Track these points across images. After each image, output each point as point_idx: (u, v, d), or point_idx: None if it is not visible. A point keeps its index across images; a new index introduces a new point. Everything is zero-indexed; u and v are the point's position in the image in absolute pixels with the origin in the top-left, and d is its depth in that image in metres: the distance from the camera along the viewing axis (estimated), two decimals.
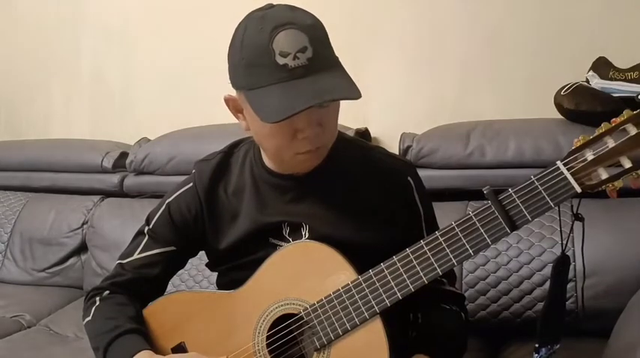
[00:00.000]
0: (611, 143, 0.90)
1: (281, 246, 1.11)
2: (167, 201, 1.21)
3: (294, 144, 1.02)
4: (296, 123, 0.99)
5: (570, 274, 1.46)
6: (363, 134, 2.03)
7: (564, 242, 1.05)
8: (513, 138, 1.73)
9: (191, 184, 1.19)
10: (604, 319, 1.40)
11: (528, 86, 1.95)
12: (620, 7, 1.86)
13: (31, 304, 2.06)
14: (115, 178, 2.24)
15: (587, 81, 1.74)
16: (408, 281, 0.99)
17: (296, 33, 0.95)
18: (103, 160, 2.24)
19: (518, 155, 1.71)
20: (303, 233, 1.10)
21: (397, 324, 1.09)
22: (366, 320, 1.00)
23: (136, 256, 1.20)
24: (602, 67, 1.73)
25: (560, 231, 1.06)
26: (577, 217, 1.00)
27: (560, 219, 1.03)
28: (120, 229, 2.04)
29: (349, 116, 1.88)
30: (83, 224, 2.21)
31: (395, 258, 1.00)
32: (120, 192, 2.24)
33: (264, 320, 1.07)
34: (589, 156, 0.91)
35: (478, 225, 0.97)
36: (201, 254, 1.25)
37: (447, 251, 0.98)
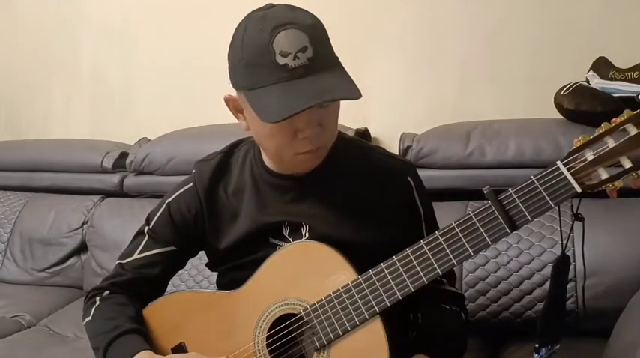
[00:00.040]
0: (611, 143, 0.90)
1: (281, 246, 1.11)
2: (167, 201, 1.21)
3: (295, 144, 1.02)
4: (296, 123, 0.99)
5: (570, 274, 1.46)
6: (363, 134, 2.03)
7: (564, 242, 1.05)
8: (513, 138, 1.73)
9: (191, 184, 1.19)
10: (604, 319, 1.40)
11: (528, 86, 1.95)
12: (620, 7, 1.86)
13: (31, 304, 2.06)
14: (115, 178, 2.24)
15: (587, 81, 1.74)
16: (408, 281, 0.99)
17: (296, 33, 0.95)
18: (103, 160, 2.24)
19: (518, 155, 1.71)
20: (303, 233, 1.10)
21: (397, 324, 1.09)
22: (366, 320, 1.00)
23: (136, 256, 1.20)
24: (602, 67, 1.73)
25: (560, 231, 1.06)
26: (577, 217, 1.00)
27: (560, 219, 1.03)
28: (120, 229, 2.04)
29: (349, 116, 1.87)
30: (83, 224, 2.21)
31: (395, 258, 1.01)
32: (120, 192, 2.24)
33: (264, 320, 1.07)
34: (589, 156, 0.91)
35: (478, 225, 0.97)
36: (201, 254, 1.25)
37: (447, 251, 0.98)
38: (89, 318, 1.16)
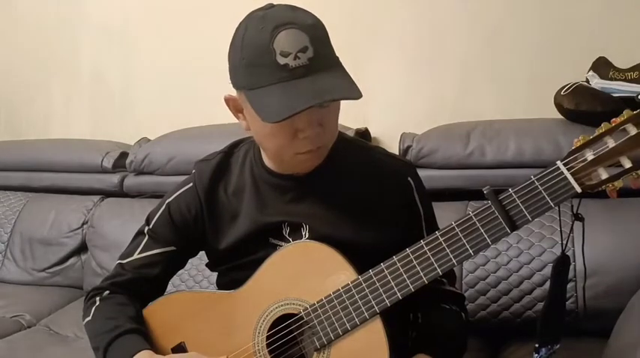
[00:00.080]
0: (611, 143, 0.90)
1: (281, 246, 1.11)
2: (167, 201, 1.21)
3: (295, 144, 1.02)
4: (296, 123, 0.99)
5: (570, 274, 1.46)
6: (363, 134, 2.03)
7: (564, 242, 1.05)
8: (513, 138, 1.73)
9: (191, 184, 1.19)
10: (604, 319, 1.40)
11: (528, 86, 1.95)
12: (620, 7, 1.86)
13: (31, 304, 2.06)
14: (115, 178, 2.24)
15: (587, 81, 1.74)
16: (408, 282, 0.99)
17: (297, 33, 0.95)
18: (103, 160, 2.24)
19: (518, 155, 1.71)
20: (303, 233, 1.10)
21: (397, 324, 1.09)
22: (366, 320, 1.00)
23: (136, 256, 1.20)
24: (602, 67, 1.73)
25: (560, 231, 1.06)
26: (577, 217, 1.00)
27: (560, 219, 1.03)
28: (120, 229, 2.04)
29: (349, 116, 1.87)
30: (83, 224, 2.21)
31: (395, 258, 1.01)
32: (120, 192, 2.24)
33: (264, 320, 1.07)
34: (589, 156, 0.91)
35: (478, 225, 0.97)
36: (201, 254, 1.25)
37: (447, 251, 0.98)
38: (89, 318, 1.16)
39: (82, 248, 2.20)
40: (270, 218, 1.12)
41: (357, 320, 1.01)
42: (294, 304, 1.05)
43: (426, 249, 0.99)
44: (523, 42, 1.95)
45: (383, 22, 2.10)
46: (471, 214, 0.98)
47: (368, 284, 1.01)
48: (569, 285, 1.49)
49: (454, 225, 0.99)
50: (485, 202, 0.97)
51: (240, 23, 1.01)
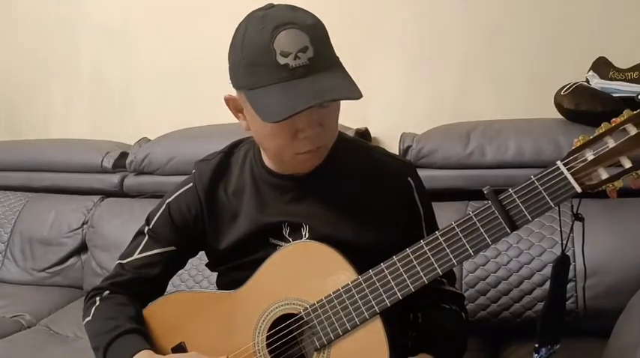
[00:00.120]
0: (611, 143, 0.90)
1: (281, 246, 1.10)
2: (167, 201, 1.21)
3: (295, 144, 1.02)
4: (297, 123, 0.99)
5: (570, 274, 1.46)
6: (363, 134, 2.03)
7: (564, 242, 1.05)
8: (513, 138, 1.73)
9: (191, 184, 1.19)
10: (604, 319, 1.40)
11: (528, 86, 1.95)
12: (620, 7, 1.86)
13: (31, 304, 2.06)
14: (115, 178, 2.24)
15: (587, 81, 1.74)
16: (408, 282, 0.99)
17: (297, 33, 0.95)
18: (103, 160, 2.24)
19: (518, 155, 1.71)
20: (303, 233, 1.10)
21: (397, 324, 1.09)
22: (366, 320, 1.00)
23: (136, 256, 1.20)
24: (602, 67, 1.73)
25: (560, 231, 1.06)
26: (577, 217, 1.00)
27: (560, 219, 1.03)
28: (120, 229, 2.04)
29: (349, 116, 1.87)
30: (83, 224, 2.21)
31: (395, 258, 1.01)
32: (120, 192, 2.24)
33: (264, 320, 1.07)
34: (589, 156, 0.91)
35: (478, 225, 0.97)
36: (201, 254, 1.25)
37: (447, 251, 0.98)
38: (89, 318, 1.16)
39: (82, 248, 2.20)
40: (270, 218, 1.12)
41: (357, 320, 1.01)
42: (294, 304, 1.05)
43: (426, 249, 0.99)
44: (523, 42, 1.95)
45: (383, 22, 2.10)
46: (471, 214, 0.98)
47: (368, 284, 1.01)
48: (569, 285, 1.49)
49: (454, 225, 0.99)
50: (485, 202, 0.97)
51: (240, 23, 1.01)
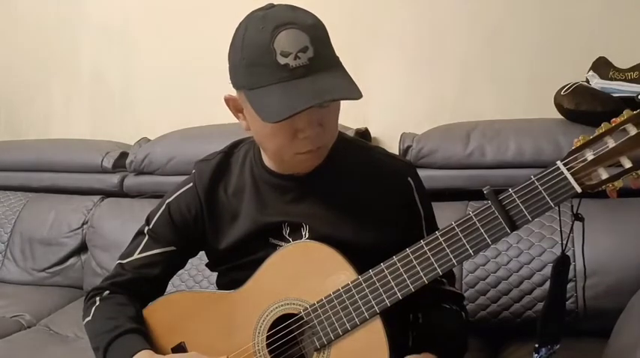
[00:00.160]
0: (611, 143, 0.90)
1: (281, 246, 1.10)
2: (167, 201, 1.21)
3: (295, 144, 1.02)
4: (297, 123, 0.99)
5: (570, 274, 1.46)
6: (363, 134, 2.03)
7: (564, 242, 1.05)
8: (513, 138, 1.73)
9: (191, 184, 1.19)
10: (604, 319, 1.40)
11: (528, 86, 1.95)
12: (620, 7, 1.86)
13: (31, 304, 2.06)
14: (115, 178, 2.24)
15: (587, 81, 1.73)
16: (408, 282, 0.99)
17: (297, 33, 0.95)
18: (103, 160, 2.24)
19: (518, 155, 1.71)
20: (303, 233, 1.10)
21: (397, 324, 1.09)
22: (366, 320, 1.00)
23: (136, 256, 1.20)
24: (602, 67, 1.73)
25: (560, 231, 1.06)
26: (577, 217, 1.00)
27: (560, 219, 1.03)
28: (120, 229, 2.04)
29: (349, 116, 1.88)
30: (83, 224, 2.21)
31: (395, 258, 1.01)
32: (120, 192, 2.24)
33: (264, 320, 1.07)
34: (589, 156, 0.91)
35: (478, 225, 0.97)
36: (201, 254, 1.25)
37: (447, 251, 0.98)
38: (89, 318, 1.16)
39: (82, 248, 2.20)
40: (270, 218, 1.12)
41: (357, 320, 1.01)
42: (294, 304, 1.05)
43: (426, 249, 0.99)
44: (523, 42, 1.95)
45: (383, 22, 2.10)
46: (471, 214, 0.98)
47: (368, 284, 1.01)
48: (569, 285, 1.49)
49: (454, 225, 0.99)
50: (485, 202, 0.97)
51: (241, 23, 1.01)
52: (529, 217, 0.95)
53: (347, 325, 1.01)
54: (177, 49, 2.38)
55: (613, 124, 0.91)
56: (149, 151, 2.13)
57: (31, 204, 2.33)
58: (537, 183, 0.94)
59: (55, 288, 2.19)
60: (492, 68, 1.99)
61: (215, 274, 1.24)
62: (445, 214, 1.28)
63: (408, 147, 1.83)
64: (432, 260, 0.99)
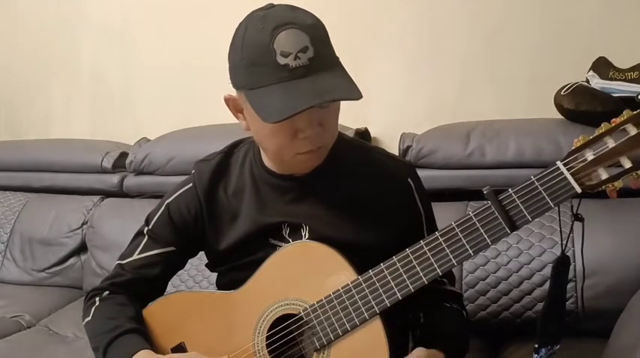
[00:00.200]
0: (611, 143, 0.90)
1: (281, 246, 1.10)
2: (167, 202, 1.21)
3: (295, 144, 1.02)
4: (297, 123, 0.99)
5: (570, 274, 1.46)
6: (363, 134, 2.03)
7: (564, 242, 1.05)
8: (513, 138, 1.73)
9: (191, 185, 1.19)
10: (604, 319, 1.40)
11: (528, 86, 1.95)
12: (620, 7, 1.86)
13: (31, 304, 2.06)
14: (114, 178, 2.24)
15: (587, 81, 1.73)
16: (407, 282, 0.99)
17: (297, 33, 0.95)
18: (102, 160, 2.24)
19: (518, 155, 1.71)
20: (303, 233, 1.10)
21: (397, 324, 1.09)
22: (365, 320, 1.00)
23: (135, 256, 1.19)
24: (602, 67, 1.73)
25: (560, 231, 1.06)
26: (577, 217, 1.00)
27: (560, 219, 1.03)
28: (120, 229, 2.04)
29: (349, 116, 1.87)
30: (83, 224, 2.21)
31: (395, 258, 1.00)
32: (120, 193, 2.24)
33: (263, 321, 1.07)
34: (589, 156, 0.91)
35: (478, 225, 0.97)
36: (201, 254, 1.25)
37: (447, 251, 0.98)
38: (89, 318, 1.16)
39: (81, 248, 2.20)
40: (270, 218, 1.12)
41: (356, 320, 1.01)
42: (293, 304, 1.05)
43: (425, 249, 0.99)
44: (523, 42, 1.95)
45: (383, 22, 2.10)
46: (471, 214, 0.98)
47: (368, 284, 1.01)
48: (569, 285, 1.49)
49: (454, 225, 0.98)
50: (485, 202, 0.97)
51: (241, 23, 1.01)
52: (529, 217, 0.94)
53: (347, 325, 1.01)
54: (177, 49, 2.38)
55: (613, 124, 0.91)
56: (149, 151, 2.13)
57: (31, 204, 2.33)
58: (537, 184, 0.94)
59: (55, 288, 2.19)
60: (492, 68, 1.99)
61: (215, 274, 1.24)
62: (445, 214, 1.28)
63: (408, 147, 1.83)
64: (432, 260, 0.99)
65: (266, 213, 1.12)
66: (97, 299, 1.18)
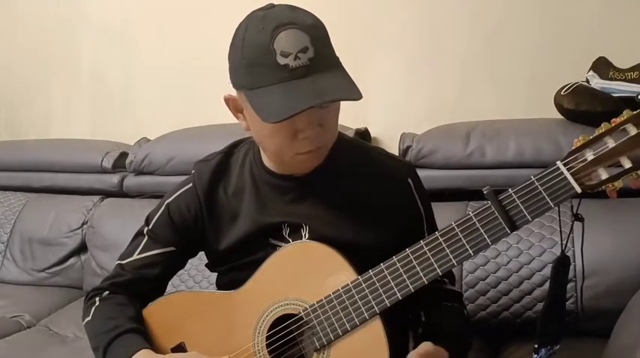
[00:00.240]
0: (611, 143, 0.90)
1: (281, 246, 1.10)
2: (166, 202, 1.21)
3: (295, 144, 1.02)
4: (296, 123, 0.99)
5: (570, 274, 1.46)
6: (363, 134, 2.03)
7: (564, 242, 1.05)
8: (513, 138, 1.73)
9: (190, 185, 1.19)
10: (604, 319, 1.40)
11: (528, 86, 1.95)
12: (620, 7, 1.86)
13: (31, 304, 2.06)
14: (114, 178, 2.24)
15: (587, 81, 1.73)
16: (407, 282, 0.99)
17: (297, 33, 0.95)
18: (102, 160, 2.24)
19: (518, 155, 1.71)
20: (303, 233, 1.10)
21: (397, 324, 1.09)
22: (365, 320, 1.00)
23: (135, 257, 1.19)
24: (602, 67, 1.73)
25: (560, 231, 1.06)
26: (577, 217, 1.00)
27: (560, 219, 1.03)
28: (120, 229, 2.04)
29: (349, 116, 1.88)
30: (83, 224, 2.21)
31: (395, 258, 1.00)
32: (120, 192, 2.24)
33: (263, 321, 1.07)
34: (589, 156, 0.91)
35: (478, 225, 0.97)
36: (201, 254, 1.25)
37: (447, 251, 0.98)
38: (89, 318, 1.16)
39: (81, 248, 2.20)
40: (270, 218, 1.12)
41: (356, 320, 1.01)
42: (293, 304, 1.05)
43: (425, 249, 0.99)
44: (523, 42, 1.95)
45: (383, 22, 2.10)
46: (471, 214, 0.98)
47: (368, 284, 1.01)
48: (569, 285, 1.48)
49: (454, 225, 0.98)
50: (485, 202, 0.97)
51: (241, 23, 1.01)
52: (529, 217, 0.94)
53: (347, 325, 1.01)
54: (177, 49, 2.38)
55: (613, 124, 0.91)
56: (149, 151, 2.13)
57: (31, 204, 2.33)
58: (537, 184, 0.94)
59: (55, 288, 2.19)
60: (492, 68, 1.99)
61: (215, 274, 1.24)
62: (445, 214, 1.28)
63: (408, 147, 1.83)
64: (432, 260, 0.99)
65: (266, 213, 1.12)
66: (97, 299, 1.18)
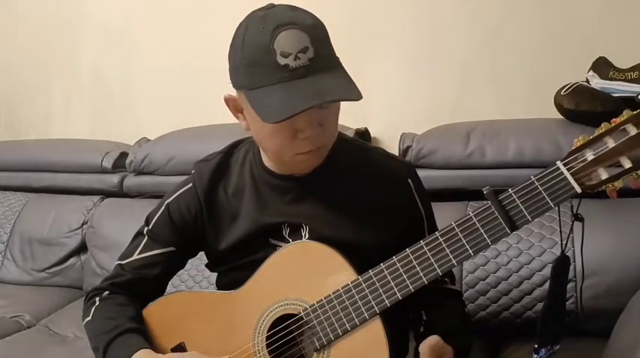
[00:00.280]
0: (611, 143, 0.90)
1: (281, 246, 1.10)
2: (166, 202, 1.21)
3: (295, 144, 1.02)
4: (297, 123, 0.99)
5: (570, 274, 1.46)
6: (363, 134, 2.03)
7: (564, 242, 1.05)
8: (513, 138, 1.73)
9: (190, 185, 1.19)
10: (604, 319, 1.40)
11: (528, 86, 1.95)
12: (620, 7, 1.86)
13: (30, 304, 2.06)
14: (114, 178, 2.24)
15: (587, 81, 1.73)
16: (407, 282, 0.99)
17: (297, 33, 0.95)
18: (102, 160, 2.24)
19: (518, 155, 1.71)
20: (303, 234, 1.10)
21: (397, 324, 1.09)
22: (365, 320, 1.00)
23: (135, 257, 1.19)
24: (602, 67, 1.73)
25: (560, 231, 1.06)
26: (577, 217, 1.00)
27: (560, 219, 1.03)
28: (120, 229, 2.04)
29: (349, 116, 1.88)
30: (83, 224, 2.21)
31: (395, 258, 1.00)
32: (120, 192, 2.24)
33: (263, 321, 1.07)
34: (589, 156, 0.91)
35: (478, 225, 0.97)
36: (201, 254, 1.25)
37: (447, 251, 0.98)
38: (89, 318, 1.16)
39: (81, 248, 2.20)
40: (270, 218, 1.12)
41: (356, 320, 1.01)
42: (293, 304, 1.05)
43: (425, 249, 0.99)
44: (523, 42, 1.95)
45: (383, 22, 2.10)
46: (471, 214, 0.98)
47: (368, 284, 1.01)
48: (569, 285, 1.48)
49: (454, 225, 0.98)
50: (485, 202, 0.97)
51: (241, 23, 1.01)
52: (529, 217, 0.94)
53: (347, 325, 1.01)
54: (177, 49, 2.38)
55: (613, 124, 0.91)
56: (149, 151, 2.13)
57: (31, 204, 2.33)
58: (537, 184, 0.94)
59: (55, 288, 2.19)
60: (492, 68, 1.99)
61: (215, 274, 1.24)
62: (445, 214, 1.28)
63: (408, 147, 1.83)
64: (432, 260, 0.99)
65: (266, 213, 1.12)
66: (97, 299, 1.18)
